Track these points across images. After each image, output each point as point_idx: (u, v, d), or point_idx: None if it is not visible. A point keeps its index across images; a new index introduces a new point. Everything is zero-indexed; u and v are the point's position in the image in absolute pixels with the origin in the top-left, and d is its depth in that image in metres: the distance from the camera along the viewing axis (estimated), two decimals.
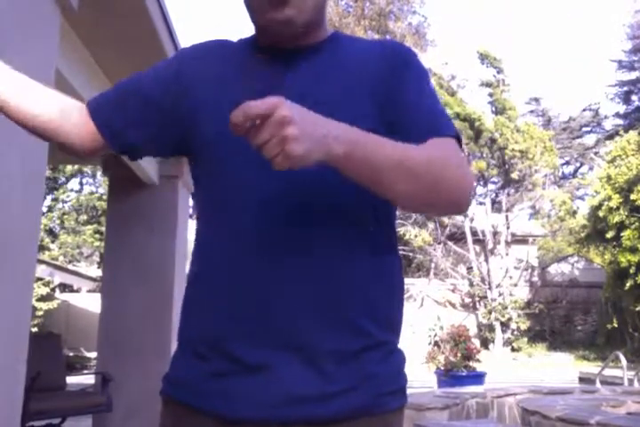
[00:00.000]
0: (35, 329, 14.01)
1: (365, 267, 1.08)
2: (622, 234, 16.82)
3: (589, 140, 32.53)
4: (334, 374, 1.03)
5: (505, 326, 20.10)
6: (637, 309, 16.97)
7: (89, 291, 19.18)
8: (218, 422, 1.04)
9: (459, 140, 1.14)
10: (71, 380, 6.85)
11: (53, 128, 1.17)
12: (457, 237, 21.73)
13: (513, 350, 19.93)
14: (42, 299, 15.25)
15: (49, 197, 22.35)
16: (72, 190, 23.88)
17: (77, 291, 19.55)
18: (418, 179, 0.98)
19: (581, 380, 11.73)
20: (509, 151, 20.99)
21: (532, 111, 32.12)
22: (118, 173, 5.87)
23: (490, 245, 21.36)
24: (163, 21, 3.90)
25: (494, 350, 19.64)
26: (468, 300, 21.26)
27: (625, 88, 31.22)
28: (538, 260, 23.04)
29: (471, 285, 21.15)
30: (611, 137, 24.35)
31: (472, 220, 21.55)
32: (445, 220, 21.31)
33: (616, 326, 18.26)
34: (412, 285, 20.68)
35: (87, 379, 8.09)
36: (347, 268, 1.06)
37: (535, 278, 22.12)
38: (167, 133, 1.21)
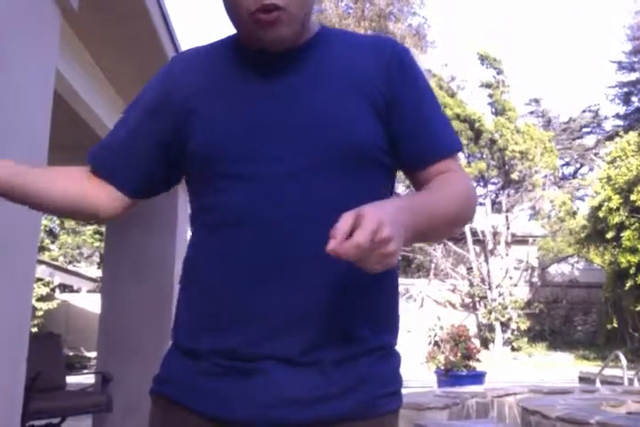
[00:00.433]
0: (35, 329, 14.01)
1: (363, 275, 1.03)
2: (622, 234, 16.81)
3: (589, 140, 32.54)
4: (332, 376, 1.02)
5: (505, 326, 20.10)
6: (637, 309, 16.97)
7: (89, 291, 19.17)
8: (209, 422, 1.03)
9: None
10: (71, 379, 6.85)
11: (78, 206, 1.19)
12: (457, 237, 21.71)
13: (513, 349, 19.92)
14: (42, 299, 15.25)
15: None
16: None
17: (77, 291, 19.54)
18: (451, 227, 1.11)
19: (581, 380, 11.72)
20: (509, 152, 20.98)
21: (531, 112, 32.12)
22: None
23: (490, 246, 21.36)
24: (163, 22, 3.90)
25: (494, 349, 19.64)
26: (468, 300, 21.26)
27: (625, 89, 31.22)
28: (538, 260, 23.03)
29: (471, 285, 21.14)
30: (611, 138, 24.34)
31: (472, 220, 21.53)
32: None
33: (616, 326, 18.25)
34: (412, 285, 20.68)
35: (87, 379, 8.09)
36: (344, 277, 1.05)
37: (535, 279, 22.11)
38: (178, 164, 1.20)
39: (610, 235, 17.22)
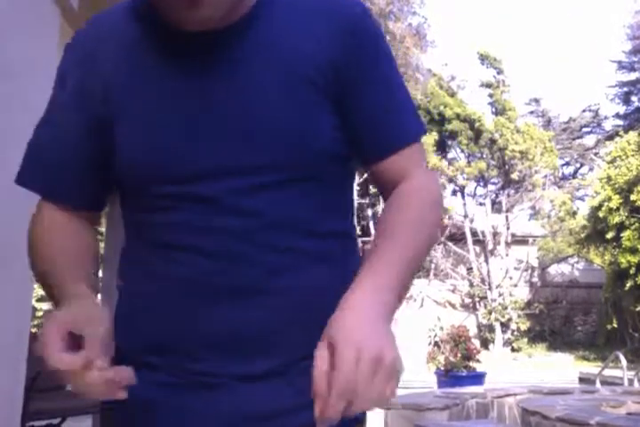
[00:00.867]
0: (35, 329, 14.01)
1: (319, 287, 0.96)
2: (622, 235, 16.81)
3: (589, 140, 32.53)
4: (299, 385, 0.91)
5: (505, 326, 20.10)
6: (637, 309, 16.97)
7: None
8: None
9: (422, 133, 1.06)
10: None
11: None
12: (457, 237, 21.71)
13: (513, 350, 19.92)
14: (42, 299, 15.25)
15: None
16: None
17: None
18: (426, 255, 1.00)
19: (581, 380, 11.73)
20: (509, 152, 20.98)
21: (531, 112, 32.11)
22: None
23: (490, 246, 21.36)
24: None
25: (494, 350, 19.63)
26: (467, 300, 21.25)
27: (625, 89, 31.20)
28: (538, 260, 23.02)
29: (471, 285, 21.14)
30: (611, 138, 24.33)
31: (472, 220, 21.55)
32: (445, 220, 21.30)
33: (616, 326, 18.25)
34: (412, 285, 20.62)
35: None
36: (300, 295, 0.95)
37: (535, 279, 22.10)
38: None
39: (610, 235, 17.22)
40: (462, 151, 22.75)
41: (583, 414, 4.52)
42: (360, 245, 1.12)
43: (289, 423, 0.93)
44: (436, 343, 14.98)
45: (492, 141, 21.39)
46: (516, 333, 20.20)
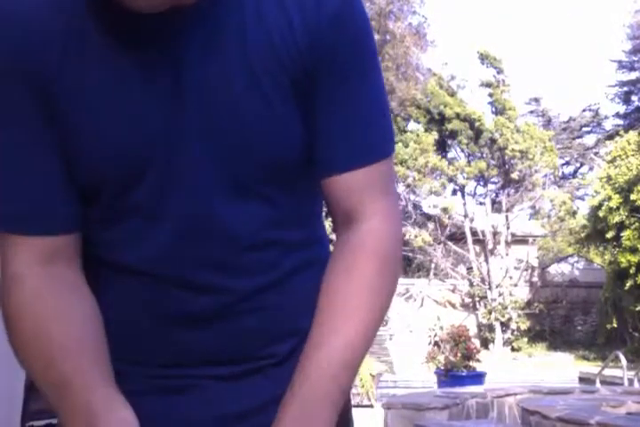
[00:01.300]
0: None
1: (300, 284, 0.90)
2: (622, 234, 16.83)
3: (589, 140, 32.54)
4: (277, 376, 0.87)
5: (505, 326, 20.11)
6: (637, 309, 16.98)
7: None
8: None
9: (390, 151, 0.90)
10: None
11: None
12: (457, 237, 21.72)
13: (513, 350, 19.93)
14: None
15: None
16: None
17: None
18: (373, 336, 0.86)
19: (581, 380, 11.74)
20: (509, 151, 20.99)
21: (531, 111, 32.11)
22: None
23: (490, 246, 21.37)
24: None
25: (494, 350, 19.64)
26: (467, 300, 21.26)
27: (625, 88, 31.20)
28: (538, 260, 23.04)
29: (471, 285, 21.15)
30: (611, 137, 24.33)
31: (472, 220, 21.56)
32: (445, 220, 21.31)
33: (616, 326, 18.25)
34: (412, 285, 20.68)
35: None
36: (273, 308, 0.88)
37: (535, 279, 22.11)
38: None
39: (610, 234, 17.24)
40: (462, 151, 22.77)
41: (583, 413, 4.52)
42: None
43: (271, 416, 0.83)
44: (435, 343, 14.98)
45: (492, 141, 21.40)
46: (516, 332, 20.21)
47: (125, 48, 0.79)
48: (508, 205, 21.99)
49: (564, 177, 30.40)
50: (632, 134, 18.32)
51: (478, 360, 10.56)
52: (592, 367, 14.10)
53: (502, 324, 20.03)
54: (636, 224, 16.64)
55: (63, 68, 0.79)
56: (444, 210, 21.12)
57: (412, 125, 23.66)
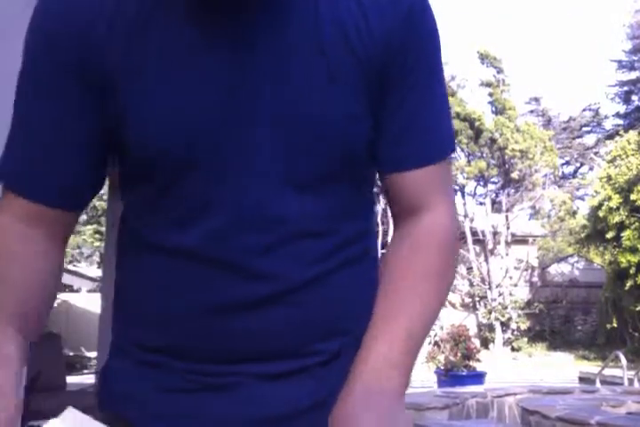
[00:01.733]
0: None
1: (348, 277, 0.90)
2: (622, 234, 16.83)
3: (589, 139, 32.54)
4: (322, 377, 0.87)
5: (505, 325, 20.10)
6: (637, 309, 16.98)
7: (89, 291, 19.17)
8: None
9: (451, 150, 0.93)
10: (71, 380, 6.85)
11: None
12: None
13: (513, 349, 19.92)
14: None
15: None
16: None
17: (77, 291, 19.54)
18: (436, 315, 0.88)
19: (581, 380, 11.73)
20: (509, 151, 20.98)
21: (531, 111, 32.11)
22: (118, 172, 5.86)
23: (490, 246, 21.36)
24: None
25: (494, 349, 19.63)
26: (468, 300, 21.25)
27: (625, 88, 31.19)
28: (538, 260, 23.03)
29: (471, 285, 21.14)
30: (611, 137, 24.33)
31: (472, 220, 21.54)
32: None
33: (616, 326, 18.26)
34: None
35: (87, 379, 8.09)
36: (322, 296, 0.88)
37: (535, 279, 22.11)
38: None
39: (610, 234, 17.23)
40: (462, 150, 22.74)
41: (583, 413, 4.52)
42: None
43: (315, 416, 0.84)
44: (436, 343, 14.99)
45: (492, 141, 21.39)
46: (515, 332, 20.20)
47: (194, 29, 0.79)
48: (507, 204, 21.99)
49: (564, 177, 30.40)
50: (632, 134, 18.31)
51: (478, 360, 10.57)
52: (592, 367, 14.10)
53: (502, 324, 20.03)
54: (636, 224, 16.64)
55: (127, 50, 0.79)
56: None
57: None
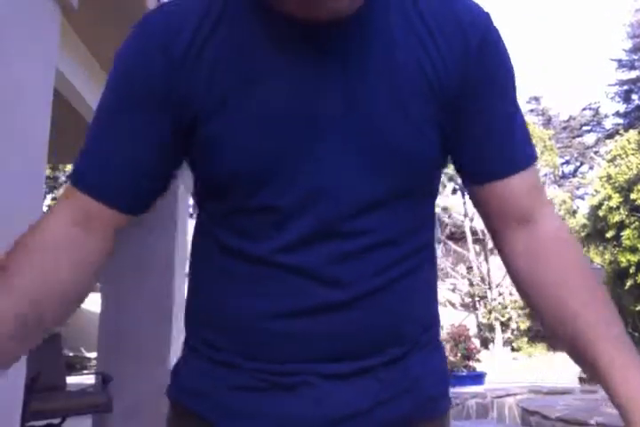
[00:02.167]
0: None
1: (413, 283, 0.95)
2: (622, 233, 16.81)
3: (589, 139, 32.52)
4: (385, 379, 0.91)
5: (505, 325, 20.10)
6: (637, 308, 16.97)
7: None
8: None
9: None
10: (71, 380, 6.84)
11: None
12: (457, 236, 21.71)
13: (513, 349, 19.92)
14: None
15: (49, 197, 22.35)
16: None
17: None
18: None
19: (581, 380, 11.72)
20: None
21: (531, 110, 32.08)
22: None
23: (490, 245, 21.35)
24: None
25: (494, 349, 19.63)
26: (467, 299, 21.26)
27: (625, 87, 31.18)
28: None
29: (471, 284, 21.14)
30: (611, 136, 24.32)
31: (472, 219, 21.54)
32: (445, 219, 21.30)
33: None
34: None
35: (87, 379, 8.08)
36: (399, 286, 0.93)
37: None
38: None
39: (610, 234, 17.22)
40: None
41: (583, 413, 4.52)
42: None
43: (376, 418, 0.88)
44: None
45: None
46: (516, 332, 20.20)
47: (281, 57, 0.84)
48: None
49: (563, 176, 30.38)
50: (632, 133, 18.29)
51: (478, 360, 10.57)
52: None
53: (502, 323, 20.03)
54: (636, 224, 16.63)
55: (210, 79, 0.84)
56: (444, 209, 21.11)
57: None
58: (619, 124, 28.95)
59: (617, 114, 31.88)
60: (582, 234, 19.71)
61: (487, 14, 0.92)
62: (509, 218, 0.93)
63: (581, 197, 28.79)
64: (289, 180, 0.86)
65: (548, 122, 31.54)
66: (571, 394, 6.20)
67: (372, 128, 0.85)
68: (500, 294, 20.42)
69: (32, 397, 4.48)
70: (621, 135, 18.74)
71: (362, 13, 0.84)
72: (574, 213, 22.84)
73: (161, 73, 0.85)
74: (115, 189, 0.90)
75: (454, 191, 23.10)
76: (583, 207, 23.01)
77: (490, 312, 20.04)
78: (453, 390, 6.64)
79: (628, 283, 16.68)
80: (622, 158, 17.60)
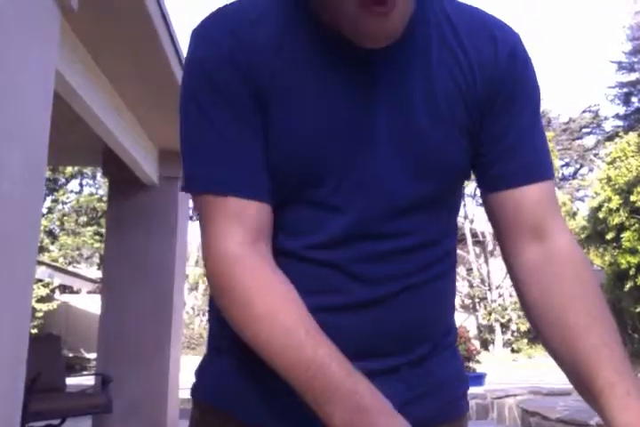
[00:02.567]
0: (34, 330, 14.00)
1: (441, 286, 0.99)
2: (622, 235, 16.80)
3: (589, 141, 32.54)
4: (409, 380, 0.94)
5: (505, 327, 20.10)
6: (637, 310, 16.97)
7: (89, 292, 19.17)
8: None
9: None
10: (71, 381, 6.84)
11: None
12: (457, 238, 21.75)
13: (513, 351, 19.92)
14: (41, 300, 15.24)
15: (49, 199, 22.35)
16: (72, 192, 23.88)
17: (77, 292, 19.54)
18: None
19: None
20: None
21: None
22: (118, 174, 5.87)
23: (490, 247, 21.35)
24: (162, 21, 3.90)
25: (494, 351, 19.63)
26: (467, 301, 21.26)
27: (625, 89, 31.19)
28: None
29: (471, 286, 21.15)
30: (610, 138, 24.33)
31: (472, 221, 21.55)
32: None
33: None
34: None
35: (87, 380, 8.08)
36: (431, 289, 0.96)
37: None
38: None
39: (610, 236, 17.21)
40: None
41: (583, 414, 4.52)
42: None
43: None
44: None
45: None
46: (515, 333, 20.20)
47: (333, 74, 0.89)
48: None
49: (563, 178, 30.40)
50: (632, 136, 18.30)
51: (478, 361, 10.56)
52: None
53: (502, 325, 20.03)
54: (636, 225, 16.63)
55: (275, 74, 0.88)
56: None
57: None
58: (618, 127, 28.97)
59: (617, 116, 31.89)
60: (582, 236, 19.71)
61: (517, 34, 0.97)
62: (523, 228, 0.94)
63: (581, 199, 28.82)
64: (336, 180, 0.89)
65: (547, 124, 31.55)
66: (570, 395, 6.19)
67: (413, 136, 0.89)
68: (500, 296, 20.42)
69: (32, 398, 4.48)
70: (621, 137, 18.74)
71: (407, 28, 0.88)
72: (574, 215, 22.83)
73: (246, 70, 0.87)
74: (262, 186, 0.88)
75: None
76: (583, 209, 23.02)
77: (490, 314, 20.04)
78: None
79: (628, 285, 16.67)
80: (622, 160, 17.60)
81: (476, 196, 23.38)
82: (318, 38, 0.89)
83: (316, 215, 0.90)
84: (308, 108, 0.88)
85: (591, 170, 30.11)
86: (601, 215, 17.43)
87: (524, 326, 19.99)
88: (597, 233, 18.15)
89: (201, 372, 1.02)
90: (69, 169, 21.63)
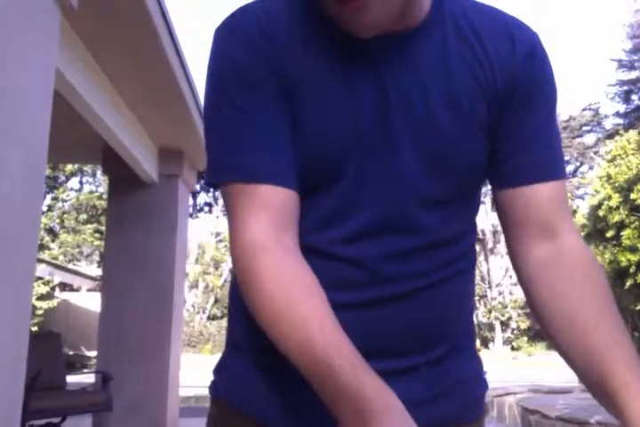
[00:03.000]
0: (35, 328, 14.01)
1: (460, 285, 0.98)
2: (622, 233, 16.80)
3: (589, 139, 32.54)
4: (427, 380, 0.94)
5: (505, 325, 20.12)
6: (637, 308, 16.97)
7: (89, 290, 19.19)
8: None
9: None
10: (71, 379, 6.85)
11: None
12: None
13: (513, 349, 19.94)
14: (42, 298, 15.27)
15: (49, 196, 22.36)
16: (72, 189, 23.92)
17: (77, 290, 19.55)
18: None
19: None
20: None
21: None
22: (118, 172, 5.87)
23: (490, 244, 21.37)
24: (162, 21, 3.90)
25: (494, 349, 19.65)
26: None
27: (625, 87, 31.18)
28: None
29: None
30: (611, 136, 24.32)
31: None
32: None
33: None
34: None
35: (87, 378, 8.09)
36: (449, 290, 0.96)
37: None
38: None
39: (610, 234, 17.21)
40: None
41: (583, 413, 4.52)
42: None
43: (416, 418, 0.83)
44: None
45: None
46: (515, 331, 20.22)
47: (345, 62, 0.89)
48: None
49: None
50: (632, 133, 18.28)
51: None
52: None
53: (502, 323, 20.05)
54: (636, 223, 16.63)
55: (301, 66, 0.89)
56: None
57: None
58: (619, 125, 28.97)
59: (617, 114, 31.89)
60: (582, 234, 19.72)
61: (535, 33, 0.98)
62: (533, 226, 0.94)
63: (581, 197, 28.83)
64: (358, 174, 0.89)
65: None
66: (571, 393, 6.20)
67: (430, 128, 0.89)
68: (500, 294, 20.44)
69: (32, 396, 4.49)
70: (621, 135, 18.73)
71: (423, 26, 0.90)
72: (574, 212, 22.84)
73: (271, 59, 0.88)
74: (290, 174, 0.88)
75: None
76: (583, 207, 23.01)
77: (490, 311, 20.06)
78: None
79: (628, 282, 16.68)
80: (622, 158, 17.59)
81: None
82: (328, 31, 0.90)
83: (338, 210, 0.90)
84: (332, 102, 0.88)
85: (591, 168, 30.12)
86: (601, 213, 17.43)
87: (524, 324, 20.01)
88: (597, 231, 18.15)
89: (220, 369, 1.02)
90: (69, 167, 21.64)
